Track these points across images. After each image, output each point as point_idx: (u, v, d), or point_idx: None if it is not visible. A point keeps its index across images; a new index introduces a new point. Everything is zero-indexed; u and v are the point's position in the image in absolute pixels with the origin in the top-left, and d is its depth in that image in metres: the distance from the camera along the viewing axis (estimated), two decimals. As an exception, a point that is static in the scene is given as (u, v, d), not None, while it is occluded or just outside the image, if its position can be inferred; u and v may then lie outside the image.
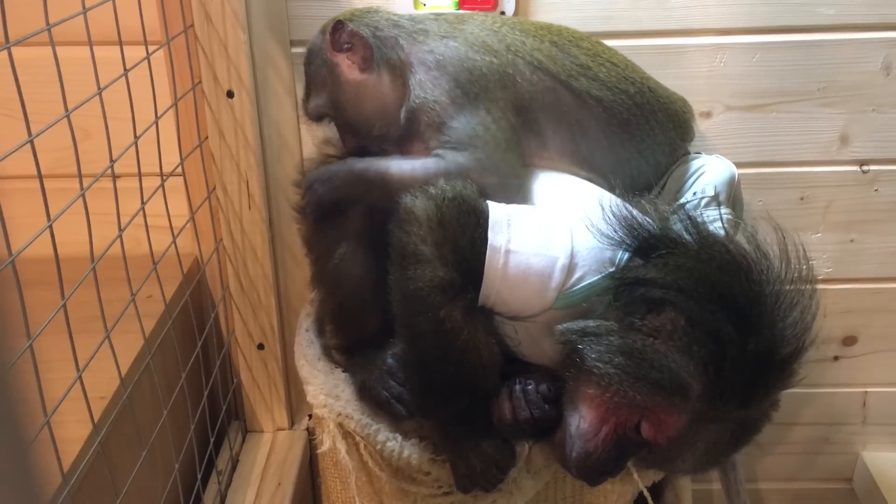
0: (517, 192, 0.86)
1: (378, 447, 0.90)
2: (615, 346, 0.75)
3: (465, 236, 0.81)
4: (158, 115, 0.93)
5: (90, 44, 0.78)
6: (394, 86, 0.90)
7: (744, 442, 0.80)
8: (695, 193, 0.93)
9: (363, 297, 0.94)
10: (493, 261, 0.80)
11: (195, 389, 1.09)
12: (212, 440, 1.14)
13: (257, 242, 1.16)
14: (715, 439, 0.77)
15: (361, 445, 0.92)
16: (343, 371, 0.99)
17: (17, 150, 0.65)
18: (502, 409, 0.86)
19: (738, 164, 0.98)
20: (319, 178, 0.91)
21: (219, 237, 1.17)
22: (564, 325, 0.79)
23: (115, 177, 0.84)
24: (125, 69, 0.85)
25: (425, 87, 0.87)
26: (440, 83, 0.87)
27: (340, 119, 0.94)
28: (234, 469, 1.19)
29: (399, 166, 0.87)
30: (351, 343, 0.99)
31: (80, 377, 0.74)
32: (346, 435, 0.94)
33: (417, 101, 0.87)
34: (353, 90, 0.91)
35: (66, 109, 0.73)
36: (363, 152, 0.95)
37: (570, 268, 0.80)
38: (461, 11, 1.06)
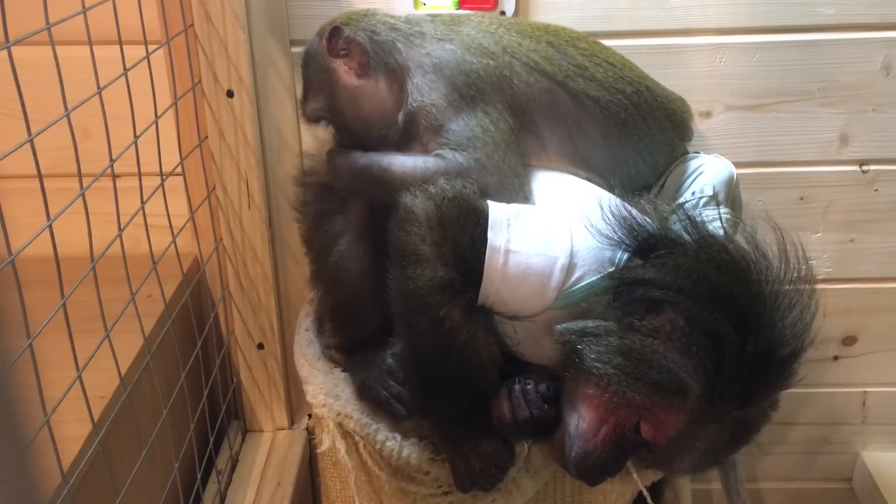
0: (518, 192, 0.86)
1: (377, 446, 0.90)
2: (614, 346, 0.75)
3: (464, 236, 0.81)
4: (158, 114, 0.93)
5: (90, 43, 0.78)
6: (391, 90, 0.90)
7: (743, 442, 0.80)
8: (693, 193, 0.93)
9: (362, 296, 0.94)
10: (492, 260, 0.80)
11: (195, 389, 1.09)
12: (211, 440, 1.14)
13: (257, 242, 1.16)
14: (714, 439, 0.77)
15: (361, 445, 0.92)
16: (342, 370, 0.99)
17: (16, 149, 0.65)
18: (502, 408, 0.86)
19: (738, 164, 0.98)
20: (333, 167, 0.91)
21: (218, 237, 1.17)
22: (563, 326, 0.79)
23: (114, 176, 0.84)
24: (125, 69, 0.85)
25: (422, 90, 0.87)
26: (437, 87, 0.87)
27: (338, 122, 0.94)
28: (233, 468, 1.19)
29: (402, 163, 0.87)
30: (350, 342, 0.99)
31: (79, 377, 0.74)
32: (346, 434, 0.94)
33: (415, 104, 0.87)
34: (350, 95, 0.91)
35: (66, 109, 0.73)
36: (363, 151, 0.95)
37: (570, 268, 0.80)
38: (460, 11, 1.06)
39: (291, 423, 1.28)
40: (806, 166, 1.16)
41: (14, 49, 0.64)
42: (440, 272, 0.80)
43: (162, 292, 0.97)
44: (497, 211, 0.82)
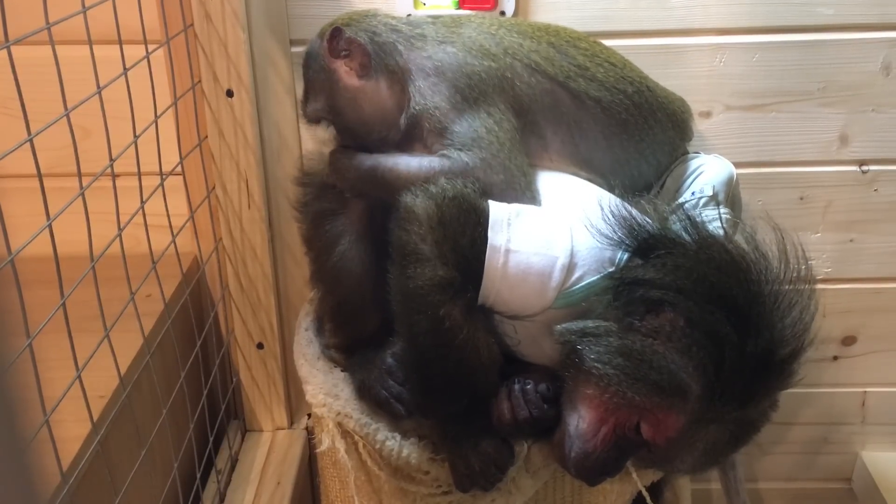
0: (525, 191, 0.86)
1: (377, 446, 0.90)
2: (614, 346, 0.75)
3: (465, 235, 0.81)
4: (158, 114, 0.93)
5: (90, 43, 0.78)
6: (392, 91, 0.90)
7: (743, 442, 0.80)
8: (693, 193, 0.93)
9: (362, 295, 0.94)
10: (493, 260, 0.80)
11: (194, 389, 1.09)
12: (211, 439, 1.14)
13: (257, 242, 1.16)
14: (714, 439, 0.77)
15: (360, 444, 0.92)
16: (342, 370, 0.99)
17: (16, 148, 0.65)
18: (501, 408, 0.86)
19: (738, 164, 0.98)
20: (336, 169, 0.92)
21: (218, 236, 1.17)
22: (563, 326, 0.79)
23: (114, 176, 0.84)
24: (125, 68, 0.85)
25: (425, 93, 0.87)
26: (440, 89, 0.87)
27: (339, 123, 0.94)
28: (233, 468, 1.19)
29: (407, 164, 0.87)
30: (350, 342, 0.99)
31: (79, 376, 0.74)
32: (345, 434, 0.94)
33: (418, 107, 0.87)
34: (351, 96, 0.91)
35: (66, 108, 0.73)
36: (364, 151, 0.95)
37: (570, 267, 0.80)
38: (460, 12, 1.06)
39: (291, 423, 1.28)
40: (806, 166, 1.16)
41: (14, 48, 0.64)
42: (440, 271, 0.80)
43: (161, 292, 0.97)
44: (497, 210, 0.82)
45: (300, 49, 0.97)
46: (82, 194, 0.76)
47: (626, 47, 1.01)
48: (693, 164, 0.97)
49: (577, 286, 0.80)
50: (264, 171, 1.14)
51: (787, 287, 0.77)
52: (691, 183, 0.95)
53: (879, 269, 1.22)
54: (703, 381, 0.74)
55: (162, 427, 0.96)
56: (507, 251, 0.80)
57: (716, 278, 0.75)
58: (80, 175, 0.75)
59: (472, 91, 0.86)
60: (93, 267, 0.77)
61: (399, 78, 0.89)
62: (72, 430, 0.78)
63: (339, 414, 0.93)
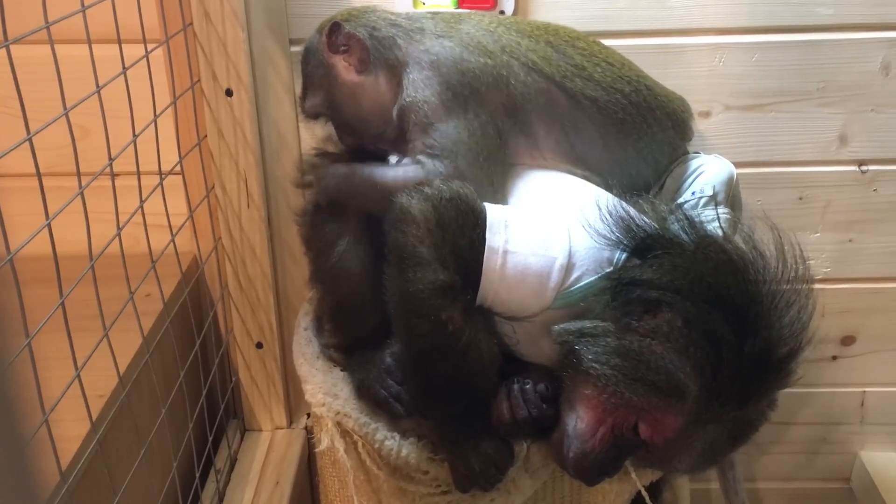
0: (491, 202, 0.86)
1: (376, 446, 0.90)
2: (612, 347, 0.75)
3: (463, 237, 0.81)
4: (157, 113, 0.93)
5: (89, 42, 0.78)
6: (390, 86, 0.90)
7: (741, 442, 0.80)
8: (693, 193, 0.93)
9: (362, 295, 0.94)
10: (491, 261, 0.80)
11: (194, 388, 1.09)
12: (210, 439, 1.14)
13: (256, 241, 1.16)
14: (712, 439, 0.77)
15: (360, 444, 0.92)
16: (341, 370, 0.99)
17: (15, 147, 0.65)
18: (501, 408, 0.86)
19: (737, 164, 0.98)
20: (319, 178, 0.92)
21: (217, 236, 1.17)
22: (561, 326, 0.79)
23: (113, 175, 0.84)
24: (124, 67, 0.85)
25: (417, 86, 0.87)
26: (432, 83, 0.87)
27: (337, 119, 0.94)
28: (232, 468, 1.19)
29: (382, 174, 0.88)
30: (349, 342, 0.99)
31: (78, 375, 0.74)
32: (345, 433, 0.94)
33: (408, 99, 0.87)
34: (349, 91, 0.91)
35: (65, 107, 0.73)
36: (361, 150, 0.95)
37: (568, 268, 0.80)
38: (460, 10, 1.06)
39: (290, 423, 1.28)
40: (805, 166, 1.16)
41: (13, 48, 0.64)
42: (441, 275, 0.80)
43: (161, 291, 0.97)
44: (495, 212, 0.82)
45: (299, 48, 0.97)
46: (81, 193, 0.76)
47: (626, 47, 1.01)
48: (693, 164, 0.97)
49: (576, 287, 0.80)
50: (263, 170, 1.14)
51: (785, 287, 0.77)
52: (691, 183, 0.95)
53: (878, 268, 1.22)
54: (701, 381, 0.74)
55: (161, 426, 0.96)
56: (506, 252, 0.80)
57: (713, 278, 0.75)
58: (79, 174, 0.75)
59: (463, 88, 0.86)
60: (92, 266, 0.77)
61: (397, 72, 0.89)
62: (71, 430, 0.78)
63: (338, 413, 0.93)
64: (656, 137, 0.95)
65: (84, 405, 0.76)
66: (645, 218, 0.81)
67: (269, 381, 1.24)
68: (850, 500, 1.36)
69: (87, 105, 0.77)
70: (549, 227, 0.83)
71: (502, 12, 1.06)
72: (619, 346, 0.75)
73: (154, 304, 0.99)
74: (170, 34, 1.01)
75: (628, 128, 0.93)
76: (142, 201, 0.91)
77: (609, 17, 1.08)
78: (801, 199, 1.18)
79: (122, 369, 0.85)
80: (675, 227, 0.79)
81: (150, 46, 0.92)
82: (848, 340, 1.27)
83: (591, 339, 0.76)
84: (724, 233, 0.83)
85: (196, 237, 1.13)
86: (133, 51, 0.88)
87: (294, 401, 1.28)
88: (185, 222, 1.07)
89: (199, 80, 1.08)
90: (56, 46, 0.70)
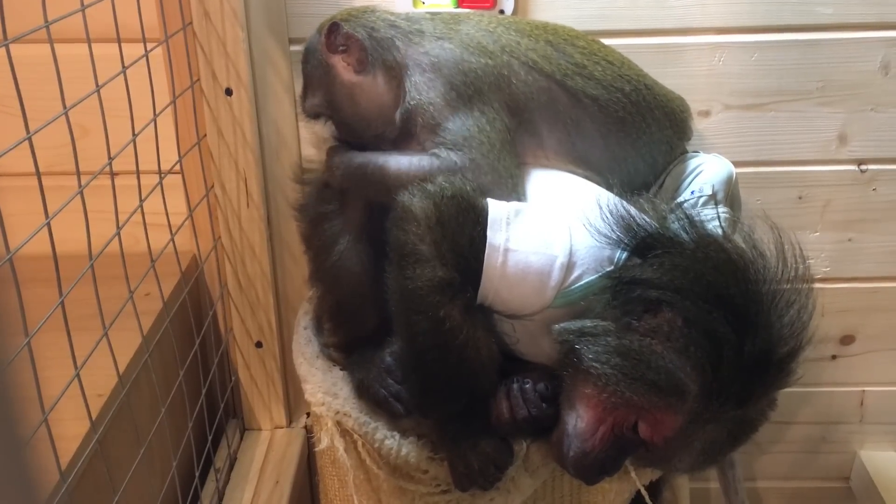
0: (512, 192, 0.86)
1: (376, 445, 0.90)
2: (612, 346, 0.75)
3: (464, 235, 0.81)
4: (157, 112, 0.93)
5: (88, 41, 0.78)
6: (389, 87, 0.90)
7: (741, 441, 0.80)
8: (692, 192, 0.93)
9: (361, 294, 0.94)
10: (491, 259, 0.80)
11: (193, 387, 1.09)
12: (210, 438, 1.14)
13: (255, 240, 1.16)
14: (712, 439, 0.77)
15: (359, 443, 0.92)
16: (341, 369, 0.99)
17: (15, 147, 0.65)
18: (500, 407, 0.86)
19: (737, 163, 0.98)
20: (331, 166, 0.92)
21: (217, 235, 1.17)
22: (562, 325, 0.79)
23: (113, 174, 0.84)
24: (123, 66, 0.85)
25: (420, 88, 0.87)
26: (435, 85, 0.87)
27: (336, 118, 0.94)
28: (231, 467, 1.19)
29: (397, 162, 0.88)
30: (349, 341, 0.99)
31: (77, 375, 0.74)
32: (344, 433, 0.94)
33: (413, 102, 0.87)
34: (348, 91, 0.91)
35: (65, 107, 0.73)
36: (361, 149, 0.95)
37: (569, 266, 0.80)
38: (459, 10, 1.06)
39: (290, 422, 1.28)
40: (804, 165, 1.16)
41: (12, 47, 0.64)
42: (440, 272, 0.80)
43: (160, 290, 0.97)
44: (496, 209, 0.82)
45: (299, 48, 0.97)
46: (81, 193, 0.76)
47: (625, 46, 1.01)
48: (692, 163, 0.97)
49: (576, 285, 0.80)
50: (263, 169, 1.14)
51: (784, 286, 0.77)
52: (690, 182, 0.95)
53: (878, 268, 1.22)
54: (701, 380, 0.74)
55: (161, 426, 0.96)
56: (506, 250, 0.80)
57: (713, 278, 0.75)
58: (78, 173, 0.75)
59: (467, 88, 0.86)
60: (91, 265, 0.77)
61: (396, 73, 0.89)
62: (70, 429, 0.78)
63: (337, 413, 0.93)
64: (655, 137, 0.95)
65: (84, 404, 0.76)
66: (645, 217, 0.81)
67: (269, 380, 1.24)
68: (850, 500, 1.36)
69: (86, 104, 0.77)
70: (551, 225, 0.83)
71: (502, 11, 1.06)
72: (619, 346, 0.75)
73: (154, 304, 0.99)
74: (169, 33, 1.01)
75: (628, 127, 0.93)
76: (141, 200, 0.91)
77: (608, 16, 1.08)
78: (800, 198, 1.18)
79: (121, 369, 0.85)
80: (676, 226, 0.79)
81: (149, 46, 0.92)
82: (847, 340, 1.27)
83: (591, 338, 0.76)
84: (723, 232, 0.83)
85: (195, 236, 1.13)
86: (132, 50, 0.88)
87: (294, 400, 1.28)
88: (184, 222, 1.07)
89: (198, 80, 1.08)
90: (55, 45, 0.70)
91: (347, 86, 0.91)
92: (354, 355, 0.97)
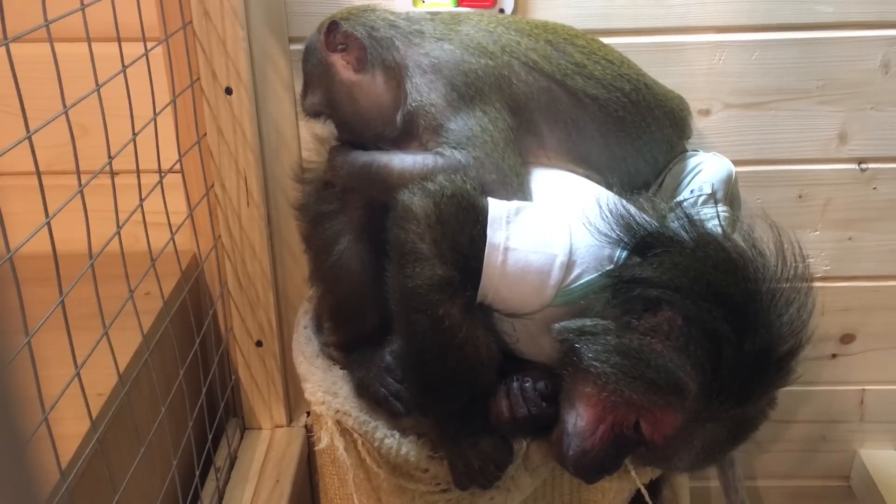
0: (517, 190, 0.86)
1: (376, 444, 0.90)
2: (612, 345, 0.75)
3: (463, 233, 0.81)
4: (157, 111, 0.93)
5: (88, 40, 0.78)
6: (388, 87, 0.90)
7: (741, 440, 0.80)
8: (692, 191, 0.93)
9: (361, 294, 0.94)
10: (491, 258, 0.80)
11: (193, 386, 1.09)
12: (210, 437, 1.14)
13: (256, 239, 1.16)
14: (712, 437, 0.77)
15: (359, 442, 0.92)
16: (341, 368, 0.99)
17: (15, 146, 0.65)
18: (500, 406, 0.86)
19: (737, 162, 0.98)
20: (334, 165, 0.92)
21: (217, 234, 1.17)
22: (562, 324, 0.79)
23: (113, 173, 0.84)
24: (123, 66, 0.85)
25: (421, 90, 0.87)
26: (436, 86, 0.87)
27: (337, 117, 0.94)
28: (232, 466, 1.19)
29: (401, 161, 0.88)
30: (349, 340, 0.99)
31: (78, 374, 0.74)
32: (344, 432, 0.94)
33: (414, 104, 0.87)
34: (347, 90, 0.91)
35: (65, 106, 0.73)
36: (362, 149, 0.95)
37: (569, 265, 0.80)
38: (459, 10, 1.06)
39: (290, 421, 1.28)
40: (805, 164, 1.16)
41: (12, 46, 0.64)
42: (439, 270, 0.80)
43: (160, 290, 0.97)
44: (496, 208, 0.82)
45: (299, 46, 0.97)
46: (81, 192, 0.76)
47: (625, 45, 1.01)
48: (692, 162, 0.97)
49: (576, 284, 0.80)
50: (263, 168, 1.14)
51: (784, 285, 0.77)
52: (690, 181, 0.95)
53: (878, 267, 1.22)
54: (701, 379, 0.74)
55: (161, 425, 0.96)
56: (506, 249, 0.80)
57: (713, 276, 0.75)
58: (78, 173, 0.75)
59: (468, 89, 0.86)
60: (91, 265, 0.77)
61: (396, 74, 0.89)
62: (70, 428, 0.78)
63: (337, 412, 0.93)
64: (655, 136, 0.95)
65: (84, 403, 0.76)
66: (645, 216, 0.81)
67: (269, 379, 1.24)
68: (850, 498, 1.36)
69: (86, 103, 0.77)
70: (551, 224, 0.83)
71: (502, 11, 1.06)
72: (619, 345, 0.75)
73: (154, 303, 0.99)
74: (169, 32, 1.01)
75: (628, 126, 0.93)
76: (141, 200, 0.91)
77: (608, 15, 1.08)
78: (800, 197, 1.18)
79: (121, 368, 0.85)
80: (675, 225, 0.79)
81: (149, 45, 0.92)
82: (847, 338, 1.27)
83: (591, 337, 0.76)
84: (723, 231, 0.83)
85: (196, 235, 1.13)
86: (132, 49, 0.88)
87: (294, 399, 1.28)
88: (184, 221, 1.07)
89: (198, 79, 1.08)
90: (55, 45, 0.70)
91: (347, 84, 0.91)
92: (354, 354, 0.97)
